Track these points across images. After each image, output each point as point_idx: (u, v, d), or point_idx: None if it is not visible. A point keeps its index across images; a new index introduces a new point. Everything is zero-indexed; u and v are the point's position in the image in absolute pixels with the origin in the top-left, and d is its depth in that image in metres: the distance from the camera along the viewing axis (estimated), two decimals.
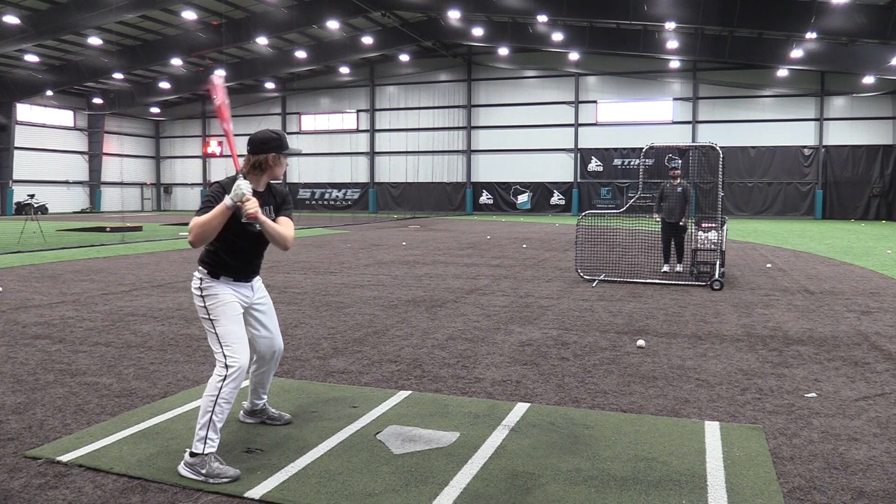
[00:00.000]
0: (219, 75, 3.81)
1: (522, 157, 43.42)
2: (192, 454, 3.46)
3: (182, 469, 3.47)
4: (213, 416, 3.48)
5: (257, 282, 3.91)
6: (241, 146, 3.95)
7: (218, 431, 3.51)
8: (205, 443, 3.45)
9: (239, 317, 3.69)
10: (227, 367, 3.53)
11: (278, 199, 3.81)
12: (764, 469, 3.54)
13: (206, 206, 3.51)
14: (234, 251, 3.69)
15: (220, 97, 3.74)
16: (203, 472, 3.40)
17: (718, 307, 8.58)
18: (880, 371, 5.50)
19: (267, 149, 3.69)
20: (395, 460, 3.66)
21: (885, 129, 36.93)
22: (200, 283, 3.66)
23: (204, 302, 3.64)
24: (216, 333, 3.60)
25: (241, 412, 4.29)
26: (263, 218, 3.55)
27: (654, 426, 4.20)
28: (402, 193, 46.74)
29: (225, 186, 3.58)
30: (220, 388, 3.50)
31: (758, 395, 4.85)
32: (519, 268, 12.94)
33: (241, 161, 3.75)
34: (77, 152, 47.97)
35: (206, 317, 3.63)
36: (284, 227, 3.72)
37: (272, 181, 3.81)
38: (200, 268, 3.69)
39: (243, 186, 3.44)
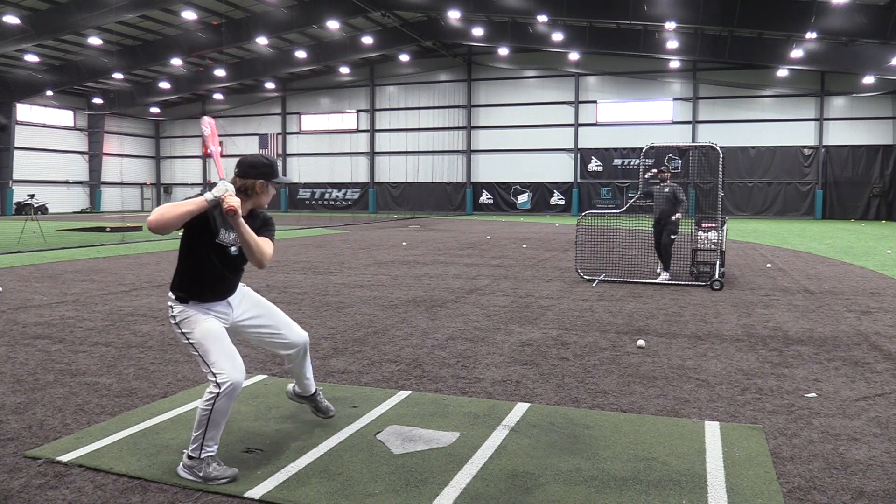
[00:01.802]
0: (209, 122, 3.65)
1: (522, 157, 43.42)
2: (190, 457, 3.43)
3: (181, 470, 3.46)
4: (208, 430, 3.40)
5: (236, 297, 3.75)
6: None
7: (215, 439, 3.46)
8: (202, 449, 3.41)
9: (219, 332, 3.54)
10: (218, 385, 3.41)
11: (258, 223, 3.60)
12: (764, 469, 3.54)
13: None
14: (205, 275, 3.55)
15: (213, 137, 3.61)
16: (200, 474, 3.38)
17: (718, 307, 8.58)
18: (880, 371, 5.50)
19: (255, 174, 3.54)
20: (395, 460, 3.66)
21: (885, 129, 36.93)
22: (173, 311, 3.55)
23: (181, 328, 3.52)
24: (199, 355, 3.48)
25: (292, 389, 4.26)
26: (241, 220, 3.37)
27: (654, 426, 4.20)
28: (402, 193, 46.74)
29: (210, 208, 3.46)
30: (214, 404, 3.40)
31: (758, 395, 4.85)
32: (519, 268, 12.94)
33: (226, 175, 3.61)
34: (77, 152, 47.96)
35: (187, 342, 3.52)
36: (263, 242, 3.55)
37: (256, 209, 3.65)
38: (170, 294, 3.58)
39: (225, 184, 3.33)
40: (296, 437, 4.00)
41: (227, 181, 3.40)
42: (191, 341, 3.50)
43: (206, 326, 3.51)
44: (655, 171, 11.52)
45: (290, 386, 4.31)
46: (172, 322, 3.57)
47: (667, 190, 11.46)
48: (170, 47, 36.33)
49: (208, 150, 3.60)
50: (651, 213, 12.14)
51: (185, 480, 3.39)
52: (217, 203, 3.33)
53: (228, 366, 3.45)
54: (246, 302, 3.81)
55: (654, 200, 11.49)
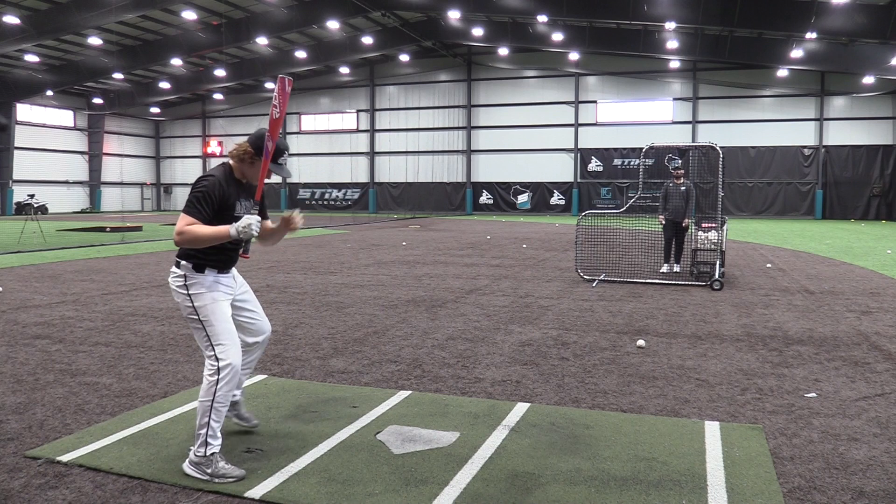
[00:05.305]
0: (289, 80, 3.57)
1: (522, 157, 43.41)
2: (197, 454, 3.43)
3: (187, 468, 3.45)
4: (212, 421, 3.43)
5: (237, 273, 3.82)
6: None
7: (217, 433, 3.47)
8: (206, 445, 3.42)
9: (228, 313, 3.58)
10: (219, 369, 3.44)
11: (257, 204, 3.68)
12: (764, 469, 3.54)
13: (199, 206, 3.39)
14: (224, 245, 3.56)
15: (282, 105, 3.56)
16: (209, 471, 3.38)
17: (718, 307, 8.58)
18: (880, 371, 5.50)
19: (252, 141, 3.59)
20: (395, 460, 3.66)
21: (885, 129, 36.92)
22: (185, 281, 3.51)
23: (192, 301, 3.49)
24: (207, 334, 3.48)
25: None
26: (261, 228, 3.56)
27: (654, 426, 4.20)
28: (402, 193, 46.73)
29: (223, 183, 3.48)
30: (215, 392, 3.42)
31: (758, 395, 4.85)
32: (519, 268, 12.94)
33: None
34: (77, 152, 47.95)
35: (195, 317, 3.49)
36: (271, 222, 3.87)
37: (247, 181, 3.68)
38: (183, 262, 3.52)
39: (254, 227, 3.39)
40: (296, 437, 4.00)
41: (256, 215, 3.48)
42: (201, 317, 3.48)
43: (221, 308, 3.53)
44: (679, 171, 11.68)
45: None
46: (182, 292, 3.51)
47: (683, 188, 11.53)
48: (170, 47, 36.32)
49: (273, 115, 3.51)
50: (653, 213, 12.16)
51: (190, 479, 3.38)
52: (238, 237, 3.40)
53: (234, 350, 3.49)
54: (240, 281, 3.85)
55: (670, 200, 11.54)
